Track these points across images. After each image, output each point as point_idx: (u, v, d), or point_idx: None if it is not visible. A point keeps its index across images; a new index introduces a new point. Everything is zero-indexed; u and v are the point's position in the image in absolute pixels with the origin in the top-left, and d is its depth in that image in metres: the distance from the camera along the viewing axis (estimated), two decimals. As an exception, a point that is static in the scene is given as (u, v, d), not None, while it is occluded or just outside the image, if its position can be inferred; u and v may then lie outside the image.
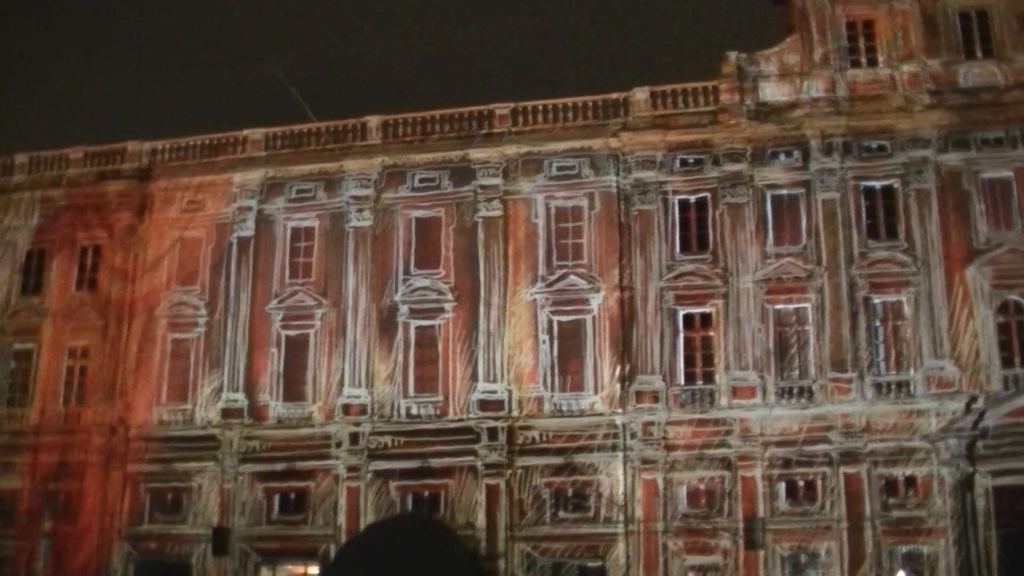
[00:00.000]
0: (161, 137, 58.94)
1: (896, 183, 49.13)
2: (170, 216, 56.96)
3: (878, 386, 47.08)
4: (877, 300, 48.26)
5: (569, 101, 53.43)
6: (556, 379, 50.24)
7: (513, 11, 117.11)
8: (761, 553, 46.04)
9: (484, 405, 50.27)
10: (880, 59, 50.98)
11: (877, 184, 49.35)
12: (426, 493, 50.27)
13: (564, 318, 50.79)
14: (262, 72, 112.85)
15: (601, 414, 48.99)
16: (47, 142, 64.29)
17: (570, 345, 50.51)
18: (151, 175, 57.49)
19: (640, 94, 52.67)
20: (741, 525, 46.47)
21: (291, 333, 53.80)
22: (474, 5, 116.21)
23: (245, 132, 57.33)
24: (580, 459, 48.71)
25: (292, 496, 51.83)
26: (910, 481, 46.01)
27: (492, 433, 49.63)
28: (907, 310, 47.90)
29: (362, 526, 49.40)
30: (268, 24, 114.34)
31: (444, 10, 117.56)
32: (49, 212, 58.55)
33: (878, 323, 48.21)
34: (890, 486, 46.13)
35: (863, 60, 51.21)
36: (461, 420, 50.30)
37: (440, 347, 51.84)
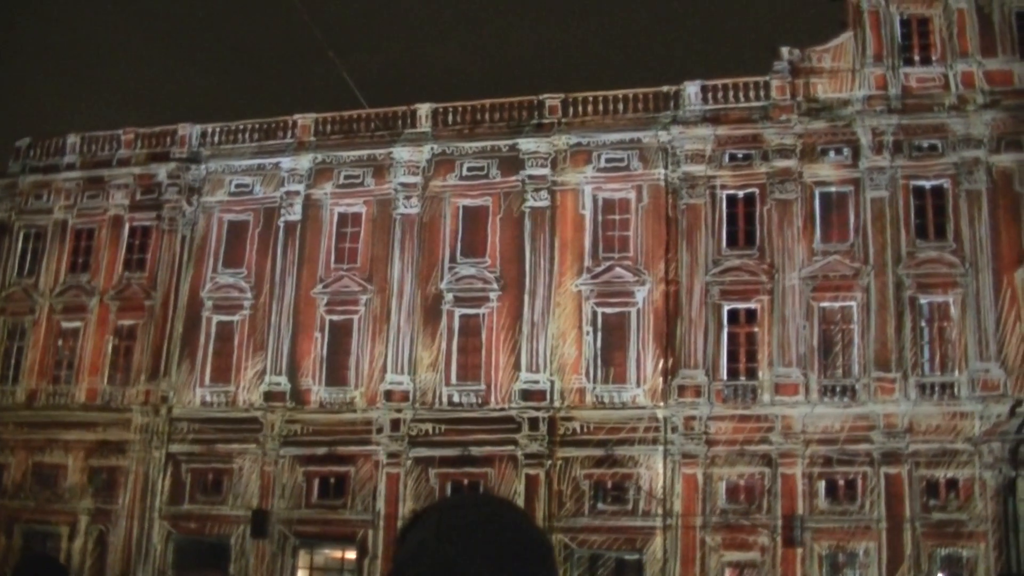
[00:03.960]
0: (211, 120, 59.27)
1: (947, 183, 48.50)
2: (218, 199, 57.26)
3: (922, 387, 46.59)
4: (924, 300, 47.76)
5: (620, 93, 53.20)
6: (599, 371, 49.99)
7: (568, 5, 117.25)
8: (799, 551, 45.70)
9: (526, 395, 50.18)
10: (934, 58, 50.29)
11: (927, 184, 48.80)
12: (466, 481, 50.26)
13: (609, 310, 50.58)
14: (316, 59, 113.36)
15: (643, 407, 48.75)
16: (100, 124, 64.61)
17: (614, 337, 50.27)
18: (200, 158, 57.84)
19: (691, 88, 52.33)
20: (780, 522, 46.10)
21: (335, 318, 53.91)
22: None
23: (295, 117, 57.44)
24: (621, 452, 48.48)
25: (332, 480, 52.00)
26: (952, 483, 45.47)
27: (533, 423, 49.56)
28: (954, 311, 47.36)
29: (401, 512, 49.38)
30: (324, 15, 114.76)
31: (500, 4, 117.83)
32: (99, 193, 59.04)
33: (924, 323, 47.72)
34: (931, 488, 45.61)
35: (917, 58, 50.52)
36: (503, 409, 50.18)
37: (484, 336, 51.74)
